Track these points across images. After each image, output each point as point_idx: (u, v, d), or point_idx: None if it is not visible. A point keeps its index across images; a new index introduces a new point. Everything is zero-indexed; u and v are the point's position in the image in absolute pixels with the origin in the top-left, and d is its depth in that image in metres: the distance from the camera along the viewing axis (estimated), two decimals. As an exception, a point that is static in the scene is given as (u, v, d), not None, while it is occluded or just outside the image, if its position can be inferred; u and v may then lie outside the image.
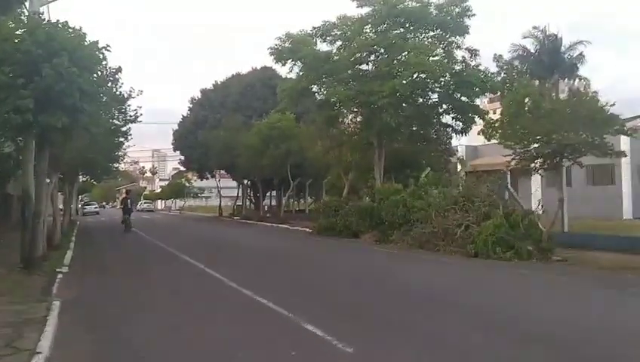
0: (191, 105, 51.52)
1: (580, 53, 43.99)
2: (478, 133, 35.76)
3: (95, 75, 12.83)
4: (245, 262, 14.98)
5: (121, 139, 20.33)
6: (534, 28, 44.90)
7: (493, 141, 18.95)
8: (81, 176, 32.92)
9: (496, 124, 17.40)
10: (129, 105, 18.73)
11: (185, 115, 51.89)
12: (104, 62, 13.04)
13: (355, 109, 23.34)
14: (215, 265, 13.24)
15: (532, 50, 45.03)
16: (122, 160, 25.20)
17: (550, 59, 44.20)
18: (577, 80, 44.74)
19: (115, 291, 10.52)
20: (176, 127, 51.89)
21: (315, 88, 23.32)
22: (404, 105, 21.89)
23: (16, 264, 12.74)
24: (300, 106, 24.55)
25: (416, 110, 22.88)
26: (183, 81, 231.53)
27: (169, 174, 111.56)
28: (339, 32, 22.62)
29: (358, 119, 24.74)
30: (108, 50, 12.80)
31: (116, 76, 15.12)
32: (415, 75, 20.48)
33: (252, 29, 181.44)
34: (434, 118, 24.04)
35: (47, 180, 16.30)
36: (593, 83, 52.30)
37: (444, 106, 23.38)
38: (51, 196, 17.76)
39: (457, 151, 30.48)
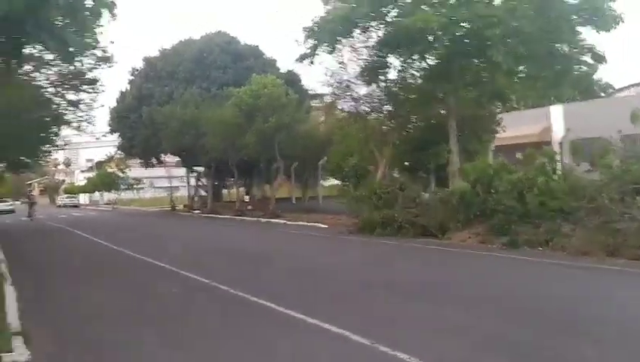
0: (132, 77, 42.28)
1: None
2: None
3: None
4: (371, 304, 7.76)
5: (88, 92, 12.27)
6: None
7: None
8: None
9: None
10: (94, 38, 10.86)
11: (124, 89, 42.62)
12: None
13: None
14: (333, 315, 6.01)
15: None
16: (89, 125, 16.70)
17: None
18: None
19: None
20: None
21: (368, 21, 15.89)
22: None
23: None
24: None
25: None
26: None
27: (86, 166, 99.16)
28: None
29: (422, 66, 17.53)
30: None
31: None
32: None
33: None
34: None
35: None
36: None
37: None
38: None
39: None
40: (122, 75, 43.51)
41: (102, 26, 9.76)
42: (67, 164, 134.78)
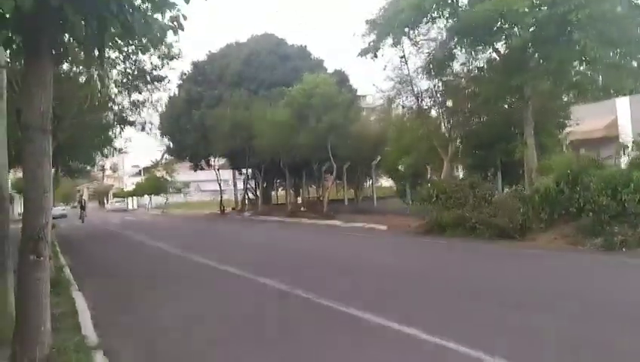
0: (181, 82, 42.39)
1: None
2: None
3: None
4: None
5: (155, 91, 11.87)
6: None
7: None
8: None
9: None
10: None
11: (172, 94, 42.74)
12: None
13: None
14: None
15: None
16: (148, 128, 16.41)
17: None
18: None
19: None
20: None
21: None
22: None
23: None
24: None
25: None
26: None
27: (132, 171, 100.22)
28: None
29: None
30: None
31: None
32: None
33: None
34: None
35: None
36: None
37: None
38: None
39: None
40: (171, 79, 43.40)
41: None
42: (114, 169, 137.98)
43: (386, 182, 43.65)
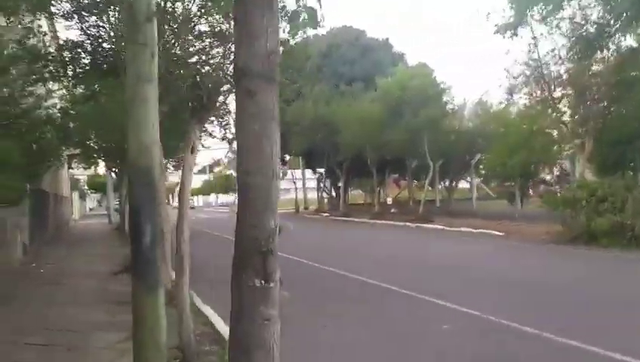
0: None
1: None
2: None
3: None
4: None
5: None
6: None
7: None
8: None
9: None
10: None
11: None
12: None
13: None
14: None
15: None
16: None
17: None
18: None
19: None
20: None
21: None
22: None
23: None
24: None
25: None
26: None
27: (195, 169, 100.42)
28: None
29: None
30: None
31: None
32: None
33: None
34: None
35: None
36: None
37: None
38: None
39: None
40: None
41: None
42: (176, 167, 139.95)
43: (464, 183, 40.94)
